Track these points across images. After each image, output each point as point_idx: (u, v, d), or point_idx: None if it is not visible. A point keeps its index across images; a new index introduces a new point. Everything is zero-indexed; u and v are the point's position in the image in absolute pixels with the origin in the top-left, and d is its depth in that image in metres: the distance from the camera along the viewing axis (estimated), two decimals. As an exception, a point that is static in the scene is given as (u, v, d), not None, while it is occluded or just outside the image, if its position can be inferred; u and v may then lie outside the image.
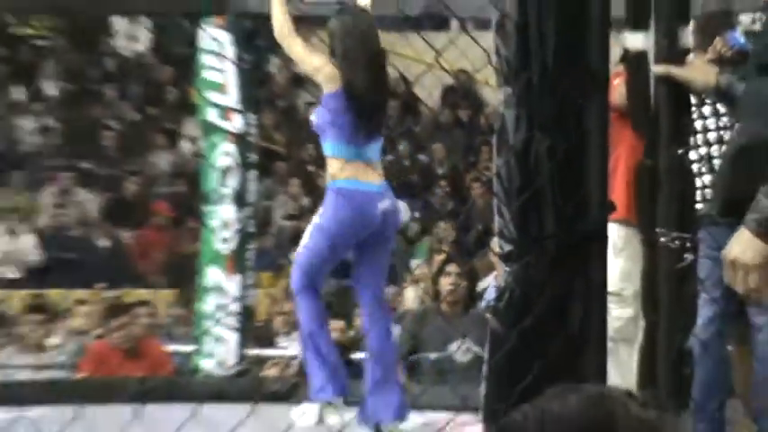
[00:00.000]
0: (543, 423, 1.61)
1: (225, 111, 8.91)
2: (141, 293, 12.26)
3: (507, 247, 2.71)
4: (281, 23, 6.16)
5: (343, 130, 6.07)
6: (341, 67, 6.12)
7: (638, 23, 4.48)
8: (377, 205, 6.16)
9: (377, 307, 6.40)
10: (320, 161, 16.43)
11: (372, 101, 6.17)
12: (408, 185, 16.96)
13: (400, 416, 6.15)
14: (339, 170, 6.05)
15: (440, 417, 5.95)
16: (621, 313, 5.28)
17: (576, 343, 2.72)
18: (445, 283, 8.39)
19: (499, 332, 2.76)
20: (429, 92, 17.77)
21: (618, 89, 4.71)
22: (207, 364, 8.39)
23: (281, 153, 16.36)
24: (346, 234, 6.16)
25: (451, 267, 8.53)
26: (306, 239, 6.26)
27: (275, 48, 8.49)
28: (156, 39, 17.96)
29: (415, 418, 6.17)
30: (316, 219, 6.25)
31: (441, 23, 17.38)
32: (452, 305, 8.32)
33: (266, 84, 17.14)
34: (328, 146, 6.23)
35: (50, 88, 17.71)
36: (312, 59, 6.24)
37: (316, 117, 6.35)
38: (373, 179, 6.20)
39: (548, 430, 1.59)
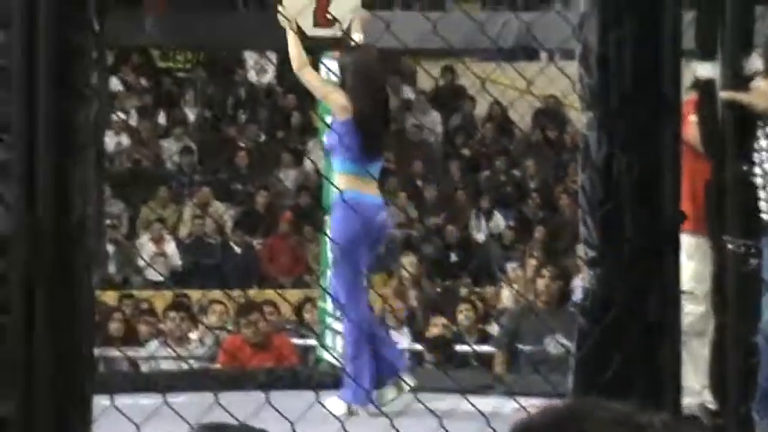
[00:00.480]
0: None
1: None
2: (270, 294, 12.33)
3: (591, 253, 2.72)
4: (297, 58, 6.31)
5: (351, 151, 6.20)
6: (352, 99, 6.27)
7: (706, 54, 4.50)
8: (380, 214, 6.38)
9: None
10: (427, 176, 16.50)
11: (377, 128, 6.39)
12: (504, 198, 16.97)
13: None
14: (346, 184, 6.15)
15: (535, 403, 5.90)
16: (694, 310, 5.22)
17: (652, 337, 2.72)
18: (540, 284, 8.39)
19: (585, 328, 2.76)
20: (521, 115, 17.71)
21: (691, 130, 4.70)
22: (328, 356, 8.43)
23: (391, 169, 16.40)
24: (360, 239, 6.27)
25: (545, 270, 8.52)
26: (334, 264, 6.44)
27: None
28: (282, 70, 18.14)
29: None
30: (332, 238, 6.41)
31: (532, 54, 17.36)
32: (546, 304, 8.31)
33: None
34: (338, 163, 6.37)
35: (191, 114, 18.02)
36: (326, 90, 6.47)
37: (327, 139, 6.56)
38: (375, 192, 6.42)
39: None
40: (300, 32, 6.43)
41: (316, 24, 6.46)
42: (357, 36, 6.54)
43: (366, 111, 6.28)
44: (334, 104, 6.37)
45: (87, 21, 2.28)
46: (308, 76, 6.45)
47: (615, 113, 2.64)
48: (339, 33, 6.52)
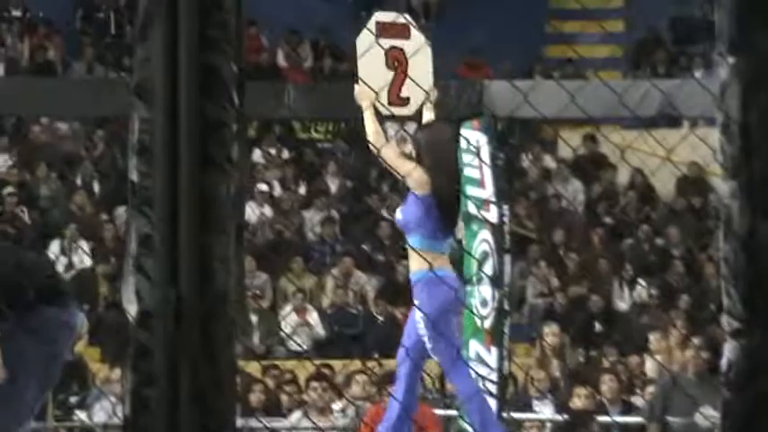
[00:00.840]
0: None
1: (483, 203, 9.02)
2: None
3: (735, 324, 2.68)
4: (374, 135, 6.45)
5: (428, 227, 6.30)
6: (429, 175, 6.36)
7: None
8: (458, 288, 6.53)
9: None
10: (569, 245, 16.40)
11: (452, 203, 6.53)
12: (647, 266, 16.80)
13: None
14: (429, 261, 6.17)
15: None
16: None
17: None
18: (686, 355, 8.26)
19: (730, 401, 2.71)
20: (664, 183, 17.53)
21: None
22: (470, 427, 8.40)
23: (533, 238, 16.38)
24: (447, 314, 6.42)
25: (690, 340, 8.40)
26: (431, 340, 6.43)
27: (526, 146, 8.64)
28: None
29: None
30: (419, 315, 6.43)
31: (673, 122, 17.21)
32: (694, 375, 8.18)
33: (519, 177, 17.29)
34: (416, 240, 6.40)
35: (332, 184, 18.29)
36: (404, 166, 6.48)
37: (403, 215, 6.55)
38: (449, 267, 6.55)
39: None
40: (376, 110, 6.61)
41: (390, 103, 6.59)
42: (428, 114, 6.74)
43: (443, 187, 6.40)
44: (413, 180, 6.43)
45: (228, 95, 2.34)
46: (386, 153, 6.55)
47: (758, 183, 2.63)
48: (412, 112, 6.74)
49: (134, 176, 2.31)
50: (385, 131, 6.63)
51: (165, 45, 2.27)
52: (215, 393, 2.34)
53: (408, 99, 6.57)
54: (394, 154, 6.68)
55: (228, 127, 2.32)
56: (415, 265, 6.40)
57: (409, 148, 7.01)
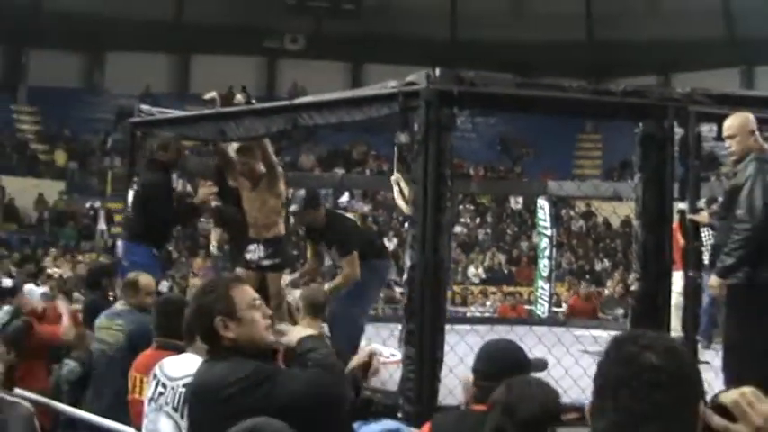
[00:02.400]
0: None
1: (545, 228, 13.39)
2: None
3: (637, 277, 6.27)
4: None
5: None
6: None
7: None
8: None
9: None
10: (573, 246, 20.46)
11: None
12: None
13: None
14: None
15: None
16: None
17: None
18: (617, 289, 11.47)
19: (634, 307, 6.34)
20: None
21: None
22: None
23: (563, 242, 20.46)
24: None
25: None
26: None
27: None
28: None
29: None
30: None
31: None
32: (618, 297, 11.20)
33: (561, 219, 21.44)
34: None
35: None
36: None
37: None
38: None
39: None
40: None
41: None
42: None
43: None
44: None
45: (446, 184, 6.10)
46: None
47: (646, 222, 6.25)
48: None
49: (410, 211, 6.11)
50: None
51: (423, 166, 6.05)
52: (438, 297, 6.03)
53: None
54: None
55: (446, 196, 6.09)
56: None
57: None
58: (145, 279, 7.03)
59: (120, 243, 8.80)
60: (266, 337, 3.70)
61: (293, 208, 8.46)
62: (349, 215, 8.85)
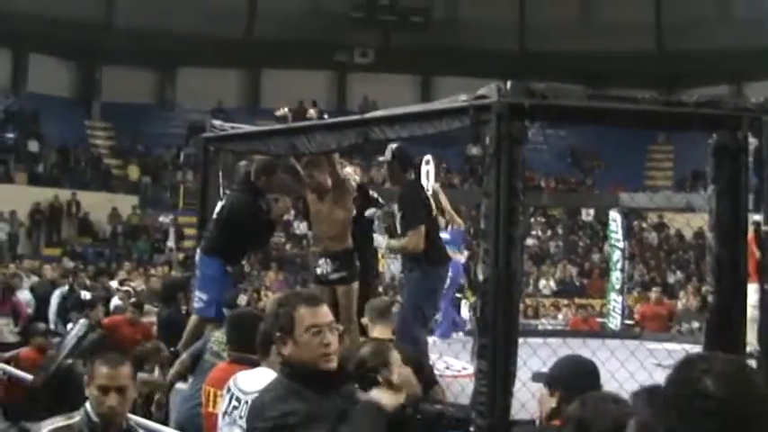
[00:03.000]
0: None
1: (617, 240, 13.30)
2: None
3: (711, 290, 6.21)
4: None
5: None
6: None
7: None
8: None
9: None
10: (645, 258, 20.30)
11: None
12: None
13: None
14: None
15: None
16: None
17: None
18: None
19: (709, 320, 6.24)
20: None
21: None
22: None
23: (635, 253, 20.16)
24: None
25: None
26: None
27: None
28: None
29: None
30: None
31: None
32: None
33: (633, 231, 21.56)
34: None
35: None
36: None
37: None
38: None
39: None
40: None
41: None
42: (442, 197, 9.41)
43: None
44: None
45: (519, 197, 6.06)
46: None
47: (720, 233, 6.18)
48: None
49: (482, 224, 6.10)
50: None
51: (496, 179, 6.03)
52: (511, 311, 6.02)
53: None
54: None
55: (518, 209, 6.06)
56: None
57: None
58: None
59: (198, 252, 8.81)
60: (319, 364, 3.66)
61: (383, 158, 8.35)
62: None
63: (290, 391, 3.61)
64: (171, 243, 29.40)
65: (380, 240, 8.17)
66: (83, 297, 13.47)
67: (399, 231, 8.12)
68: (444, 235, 9.51)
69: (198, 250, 8.80)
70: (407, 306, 7.75)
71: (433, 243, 7.98)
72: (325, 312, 3.77)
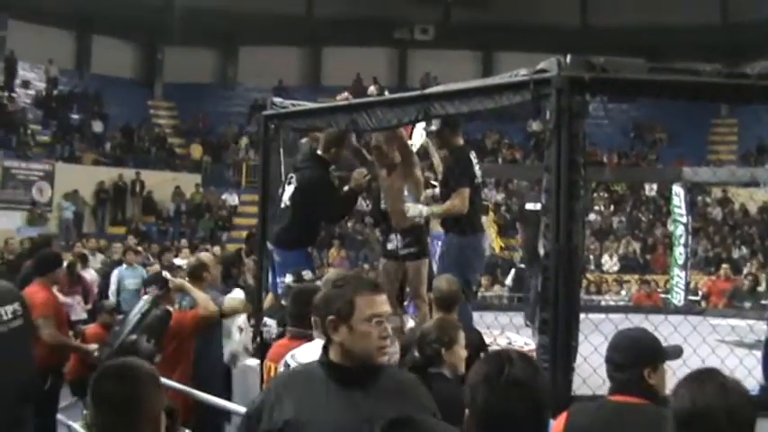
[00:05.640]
0: None
1: (681, 215, 13.18)
2: None
3: None
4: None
5: None
6: None
7: None
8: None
9: None
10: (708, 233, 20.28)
11: None
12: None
13: None
14: None
15: None
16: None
17: None
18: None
19: None
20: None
21: None
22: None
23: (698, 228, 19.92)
24: None
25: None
26: None
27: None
28: None
29: None
30: None
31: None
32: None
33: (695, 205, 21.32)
34: None
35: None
36: None
37: None
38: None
39: None
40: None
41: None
42: (434, 154, 8.96)
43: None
44: None
45: (579, 173, 5.99)
46: None
47: None
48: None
49: (543, 199, 6.07)
50: None
51: (557, 153, 5.99)
52: (572, 285, 5.98)
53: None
54: None
55: (579, 183, 6.02)
56: None
57: None
58: None
59: (272, 249, 8.63)
60: (374, 356, 3.50)
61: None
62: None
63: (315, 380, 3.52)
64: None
65: (421, 209, 8.05)
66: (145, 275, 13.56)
67: (441, 197, 8.05)
68: None
69: (270, 244, 8.63)
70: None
71: (475, 211, 7.89)
72: (386, 301, 3.60)
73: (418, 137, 9.00)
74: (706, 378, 2.95)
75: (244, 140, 33.67)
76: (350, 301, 3.49)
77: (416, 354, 5.22)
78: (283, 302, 7.17)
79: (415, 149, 8.56)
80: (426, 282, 8.33)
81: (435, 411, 3.59)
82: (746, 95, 6.65)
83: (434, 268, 8.71)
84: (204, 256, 9.24)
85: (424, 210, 8.02)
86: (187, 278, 8.20)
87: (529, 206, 11.29)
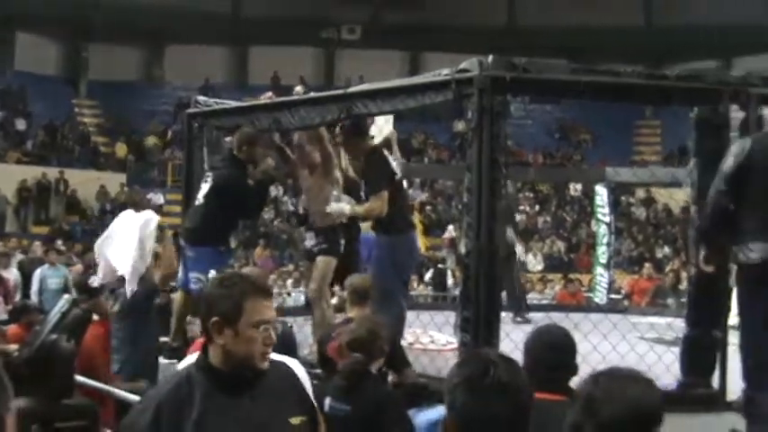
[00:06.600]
0: None
1: (604, 215, 13.24)
2: None
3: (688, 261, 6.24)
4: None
5: None
6: None
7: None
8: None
9: None
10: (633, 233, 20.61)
11: None
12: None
13: None
14: None
15: None
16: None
17: None
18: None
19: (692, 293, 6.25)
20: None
21: None
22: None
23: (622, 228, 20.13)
24: None
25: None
26: None
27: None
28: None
29: None
30: None
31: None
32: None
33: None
34: None
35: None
36: None
37: None
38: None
39: None
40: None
41: None
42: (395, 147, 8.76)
43: None
44: None
45: (501, 170, 6.07)
46: None
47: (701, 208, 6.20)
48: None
49: (465, 198, 6.13)
50: None
51: (478, 152, 6.05)
52: (493, 284, 6.06)
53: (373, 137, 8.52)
54: None
55: (500, 182, 6.08)
56: None
57: None
58: None
59: (184, 245, 8.61)
60: (257, 363, 3.29)
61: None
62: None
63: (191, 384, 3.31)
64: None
65: (343, 207, 8.06)
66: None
67: (365, 197, 7.99)
68: None
69: (182, 240, 8.64)
70: (381, 277, 7.34)
71: (399, 210, 7.89)
72: (273, 306, 3.41)
73: (385, 125, 9.01)
74: (614, 372, 2.92)
75: (169, 139, 33.45)
76: (238, 304, 3.28)
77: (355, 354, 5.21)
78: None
79: (378, 139, 8.50)
80: (329, 280, 8.38)
81: (314, 405, 3.53)
82: (666, 97, 6.77)
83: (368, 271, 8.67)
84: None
85: (347, 208, 8.02)
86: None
87: None
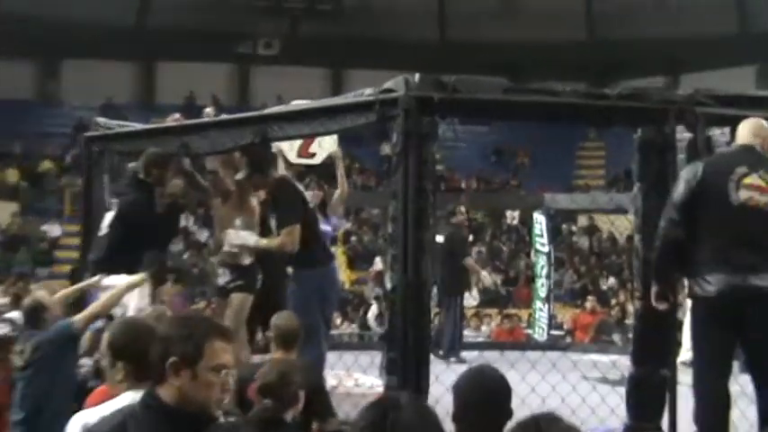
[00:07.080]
0: None
1: (543, 245, 13.50)
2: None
3: (638, 295, 6.25)
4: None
5: None
6: None
7: None
8: None
9: None
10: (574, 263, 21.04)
11: None
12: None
13: None
14: None
15: None
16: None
17: None
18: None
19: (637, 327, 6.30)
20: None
21: None
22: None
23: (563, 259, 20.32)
24: None
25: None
26: None
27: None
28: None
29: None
30: None
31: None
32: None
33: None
34: None
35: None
36: None
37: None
38: None
39: None
40: (287, 162, 8.81)
41: (299, 156, 9.12)
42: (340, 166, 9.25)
43: None
44: None
45: (427, 197, 6.14)
46: None
47: (647, 234, 6.25)
48: (318, 162, 9.06)
49: (390, 229, 6.16)
50: None
51: (404, 179, 6.09)
52: (421, 322, 6.08)
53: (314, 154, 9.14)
54: None
55: (428, 212, 6.13)
56: None
57: None
58: None
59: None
60: (211, 408, 3.41)
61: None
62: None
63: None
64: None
65: (247, 238, 8.05)
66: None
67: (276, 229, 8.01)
68: (326, 227, 9.36)
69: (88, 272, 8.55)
70: (301, 314, 7.23)
71: (316, 241, 7.88)
72: (231, 351, 3.53)
73: (329, 141, 9.05)
74: (539, 418, 2.96)
75: (67, 165, 33.10)
76: (198, 346, 3.39)
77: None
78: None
79: (321, 158, 8.45)
80: (244, 319, 8.36)
81: None
82: (607, 117, 6.84)
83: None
84: (41, 295, 8.97)
85: (251, 240, 8.00)
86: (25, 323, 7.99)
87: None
